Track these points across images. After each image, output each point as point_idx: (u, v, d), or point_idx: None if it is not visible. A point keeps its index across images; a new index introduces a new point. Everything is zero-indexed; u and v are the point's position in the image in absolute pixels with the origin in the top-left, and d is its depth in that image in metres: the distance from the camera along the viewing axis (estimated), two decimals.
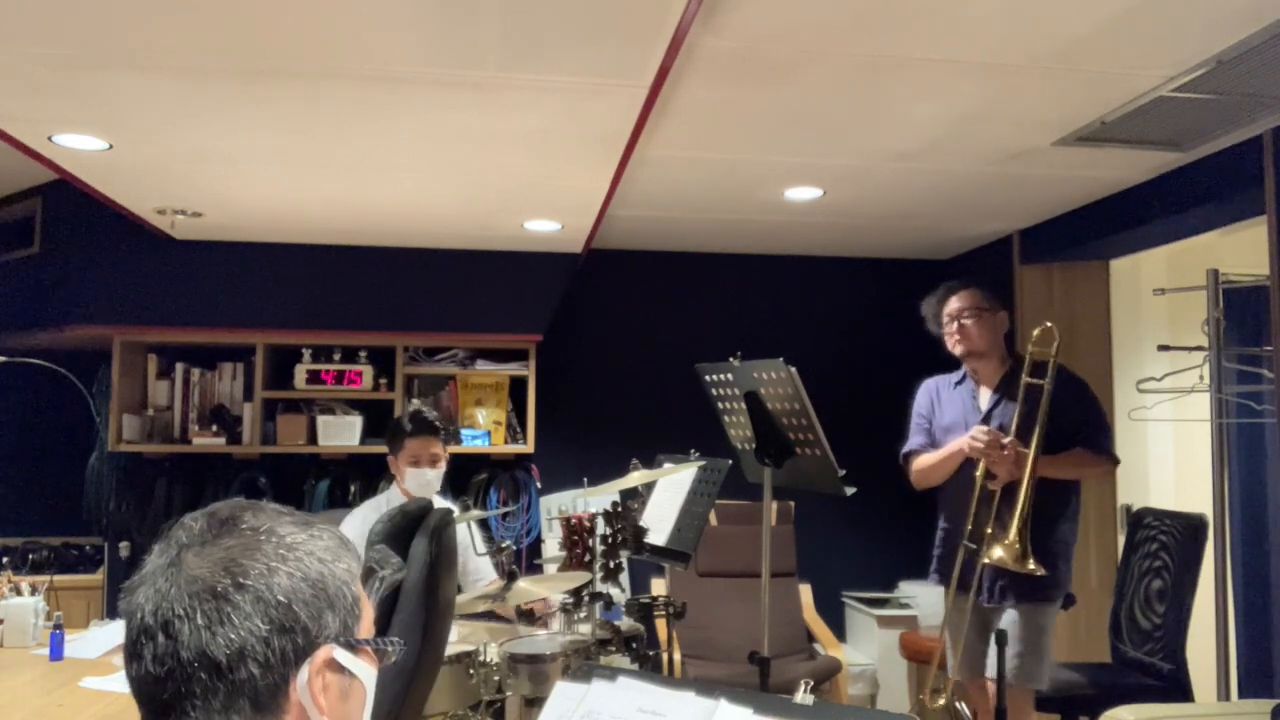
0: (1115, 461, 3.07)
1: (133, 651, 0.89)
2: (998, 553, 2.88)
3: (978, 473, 2.98)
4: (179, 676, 0.86)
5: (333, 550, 0.95)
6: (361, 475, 4.65)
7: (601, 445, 4.80)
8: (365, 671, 0.95)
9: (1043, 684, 2.98)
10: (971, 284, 3.17)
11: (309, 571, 0.91)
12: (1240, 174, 3.18)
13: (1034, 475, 2.87)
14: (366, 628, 0.97)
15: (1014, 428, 2.96)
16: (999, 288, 3.23)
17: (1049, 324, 3.00)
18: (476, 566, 3.48)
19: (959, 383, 3.21)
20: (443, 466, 3.44)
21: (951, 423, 3.15)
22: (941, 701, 3.08)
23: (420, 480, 3.37)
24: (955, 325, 3.12)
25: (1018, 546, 2.85)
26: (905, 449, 3.29)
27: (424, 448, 3.37)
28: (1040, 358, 2.98)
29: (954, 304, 3.14)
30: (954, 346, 3.14)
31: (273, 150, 3.11)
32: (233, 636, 0.87)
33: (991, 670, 2.89)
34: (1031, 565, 2.82)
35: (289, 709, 0.89)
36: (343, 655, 0.92)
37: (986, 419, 3.06)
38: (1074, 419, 3.00)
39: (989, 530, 2.95)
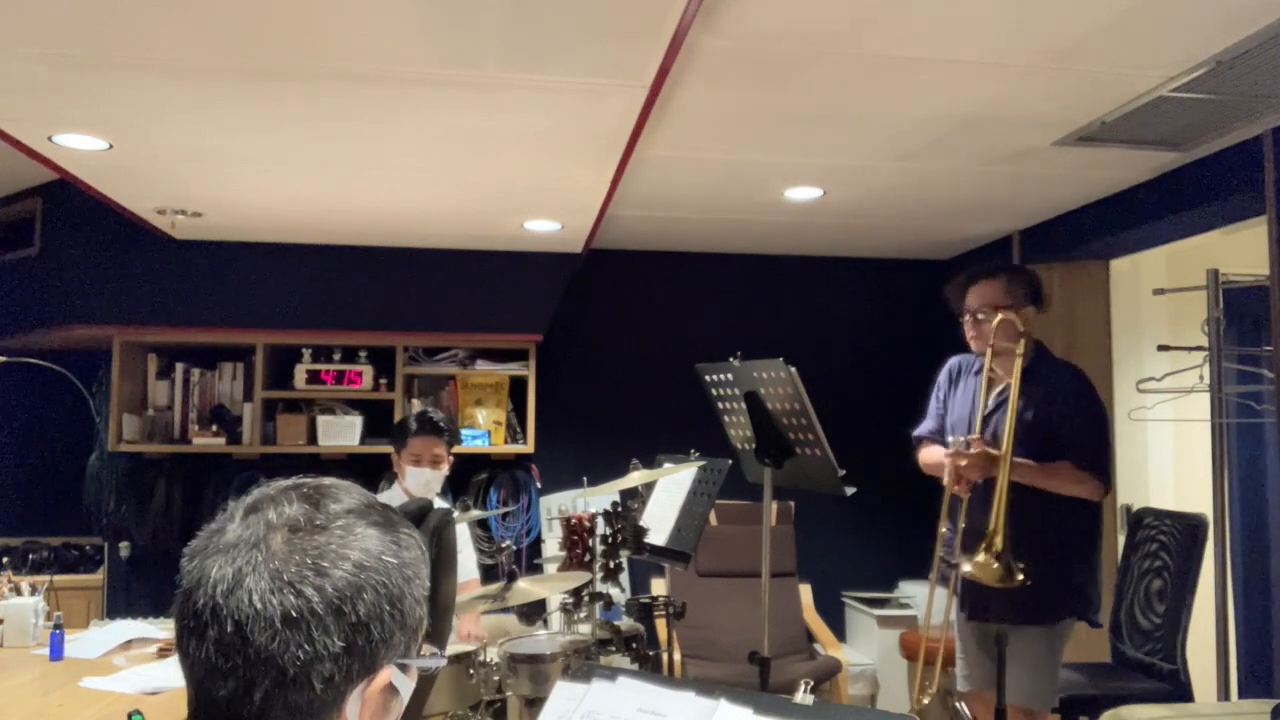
0: (1103, 486, 2.79)
1: (195, 627, 0.83)
2: (966, 567, 2.69)
3: (945, 479, 2.85)
4: (241, 676, 0.82)
5: (414, 565, 0.90)
6: (361, 475, 4.64)
7: (601, 445, 4.80)
8: (408, 688, 0.91)
9: (1046, 705, 2.82)
10: (1000, 274, 2.94)
11: (392, 590, 0.87)
12: (1240, 174, 3.18)
13: (1007, 479, 2.69)
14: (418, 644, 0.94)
15: (1009, 430, 2.79)
16: (1030, 279, 2.97)
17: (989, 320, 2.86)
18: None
19: (978, 371, 3.02)
20: (445, 469, 3.45)
21: (958, 419, 3.03)
22: (927, 700, 3.02)
23: (420, 480, 3.39)
24: (971, 320, 2.94)
25: (994, 563, 2.63)
26: (917, 431, 3.18)
27: (426, 447, 3.40)
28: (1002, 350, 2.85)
29: (972, 298, 2.95)
30: (969, 340, 2.98)
31: (273, 150, 3.11)
32: (308, 649, 0.82)
33: (992, 684, 2.76)
34: (1009, 578, 2.61)
35: None
36: (398, 676, 0.89)
37: (987, 420, 2.93)
38: (1067, 428, 2.81)
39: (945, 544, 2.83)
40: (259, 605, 0.81)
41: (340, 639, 0.83)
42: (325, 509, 0.88)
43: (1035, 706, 2.80)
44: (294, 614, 0.82)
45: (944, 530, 2.96)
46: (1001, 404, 2.93)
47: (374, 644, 0.85)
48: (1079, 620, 2.85)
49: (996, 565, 2.64)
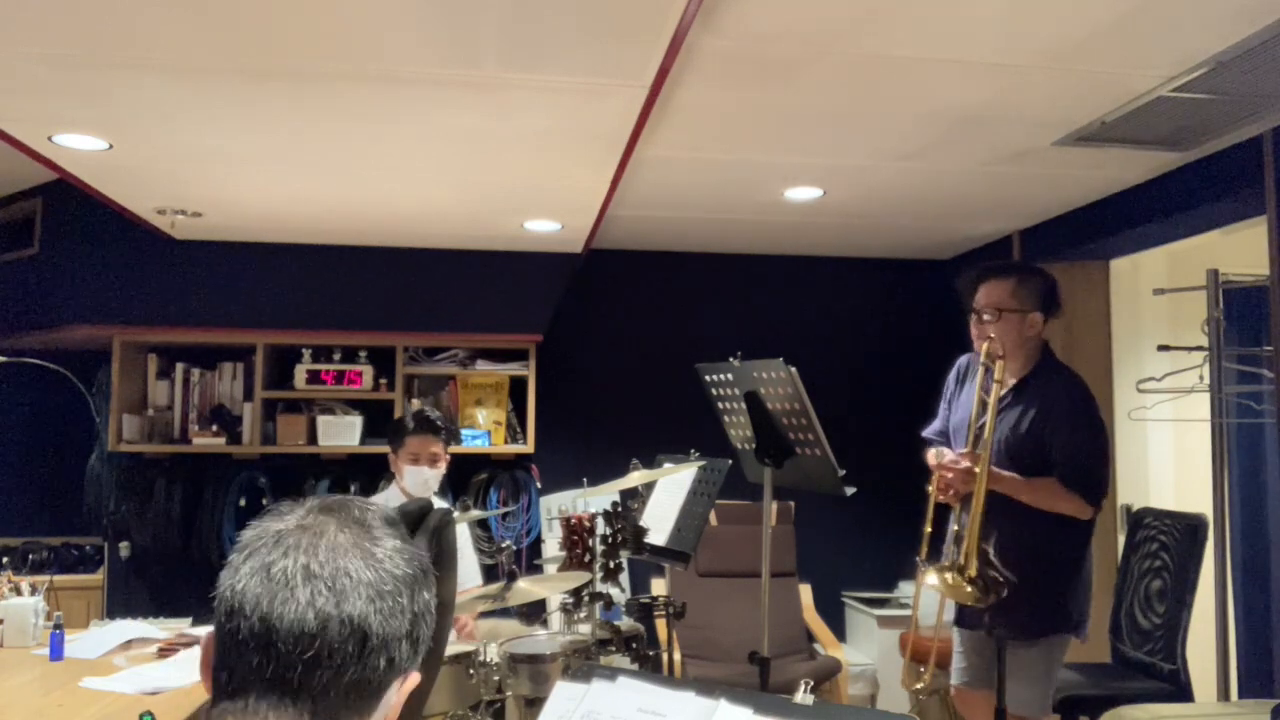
0: (1091, 505, 2.66)
1: (286, 583, 0.85)
2: (931, 579, 2.61)
3: (930, 486, 2.79)
4: (326, 640, 0.83)
5: (433, 588, 0.98)
6: (361, 475, 4.66)
7: (601, 445, 4.80)
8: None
9: (1043, 711, 2.79)
10: (1010, 275, 2.83)
11: (429, 595, 0.94)
12: (1240, 174, 3.18)
13: (983, 497, 2.61)
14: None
15: (999, 438, 2.74)
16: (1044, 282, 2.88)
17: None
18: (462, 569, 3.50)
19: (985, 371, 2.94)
20: (442, 467, 3.46)
21: (959, 423, 2.95)
22: (920, 686, 3.01)
23: (418, 479, 3.39)
24: (975, 318, 2.85)
25: (967, 586, 2.55)
26: (924, 431, 3.12)
27: (424, 446, 3.40)
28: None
29: (980, 296, 2.84)
30: (974, 339, 2.89)
31: (273, 150, 3.11)
32: (394, 620, 0.87)
33: (987, 682, 2.75)
34: (984, 598, 2.54)
35: None
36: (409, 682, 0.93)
37: (981, 429, 2.81)
38: (1057, 443, 2.71)
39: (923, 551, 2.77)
40: (356, 574, 0.86)
41: (408, 621, 0.89)
42: (374, 524, 0.93)
43: (1032, 714, 2.77)
44: (386, 585, 0.88)
45: (928, 530, 2.85)
46: (999, 411, 2.83)
47: (422, 636, 0.92)
48: (1068, 635, 2.79)
49: (970, 589, 2.57)
